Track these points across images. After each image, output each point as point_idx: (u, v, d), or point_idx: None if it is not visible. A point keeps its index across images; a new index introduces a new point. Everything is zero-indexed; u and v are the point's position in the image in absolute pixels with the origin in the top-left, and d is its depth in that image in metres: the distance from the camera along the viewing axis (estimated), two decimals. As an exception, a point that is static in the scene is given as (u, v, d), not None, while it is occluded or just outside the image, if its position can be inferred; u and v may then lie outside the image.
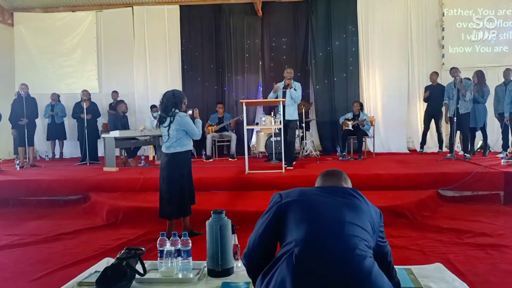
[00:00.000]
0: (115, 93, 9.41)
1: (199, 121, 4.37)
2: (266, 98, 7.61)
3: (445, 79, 8.89)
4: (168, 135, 4.10)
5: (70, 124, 9.70)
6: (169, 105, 4.13)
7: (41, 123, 9.40)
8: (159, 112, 8.29)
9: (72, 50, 10.03)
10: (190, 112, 4.40)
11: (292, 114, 6.80)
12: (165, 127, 4.12)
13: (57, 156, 9.65)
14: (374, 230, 1.75)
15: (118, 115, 8.19)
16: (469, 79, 7.37)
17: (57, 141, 9.64)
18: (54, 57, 10.01)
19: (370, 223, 1.74)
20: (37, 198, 5.95)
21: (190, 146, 4.24)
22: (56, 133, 9.42)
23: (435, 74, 8.51)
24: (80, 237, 4.41)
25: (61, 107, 9.42)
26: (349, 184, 1.96)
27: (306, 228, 1.66)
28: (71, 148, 9.93)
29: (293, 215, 1.73)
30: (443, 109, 7.92)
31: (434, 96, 8.29)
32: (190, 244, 2.38)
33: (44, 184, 6.10)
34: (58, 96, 9.47)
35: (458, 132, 7.22)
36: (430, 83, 8.55)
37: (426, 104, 8.56)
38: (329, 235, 1.63)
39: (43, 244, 4.19)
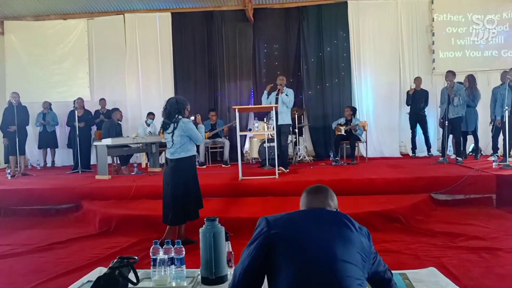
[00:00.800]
0: (103, 100, 9.37)
1: (201, 127, 4.39)
2: (259, 104, 7.64)
3: (435, 84, 8.99)
4: (172, 141, 4.11)
5: (61, 132, 9.64)
6: (172, 112, 4.15)
7: (33, 132, 9.33)
8: (153, 120, 8.41)
9: (63, 58, 9.97)
10: (192, 118, 4.42)
11: (284, 118, 6.87)
12: (168, 133, 4.13)
13: (49, 164, 9.58)
14: (365, 260, 1.71)
15: (113, 123, 8.15)
16: (462, 83, 7.42)
17: (48, 149, 9.57)
18: (46, 65, 9.94)
19: (361, 254, 1.70)
20: (29, 207, 5.89)
21: (193, 151, 4.26)
22: (47, 141, 9.33)
23: (418, 79, 8.61)
24: (72, 246, 4.38)
25: (52, 115, 9.35)
26: (335, 201, 1.91)
27: (296, 270, 1.61)
28: (62, 156, 9.85)
29: (282, 253, 1.67)
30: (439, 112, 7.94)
31: (416, 100, 8.37)
32: (184, 252, 2.36)
33: (36, 193, 6.05)
34: (50, 104, 9.38)
35: (451, 136, 7.24)
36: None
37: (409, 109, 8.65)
38: (321, 278, 1.59)
39: (35, 253, 4.15)
